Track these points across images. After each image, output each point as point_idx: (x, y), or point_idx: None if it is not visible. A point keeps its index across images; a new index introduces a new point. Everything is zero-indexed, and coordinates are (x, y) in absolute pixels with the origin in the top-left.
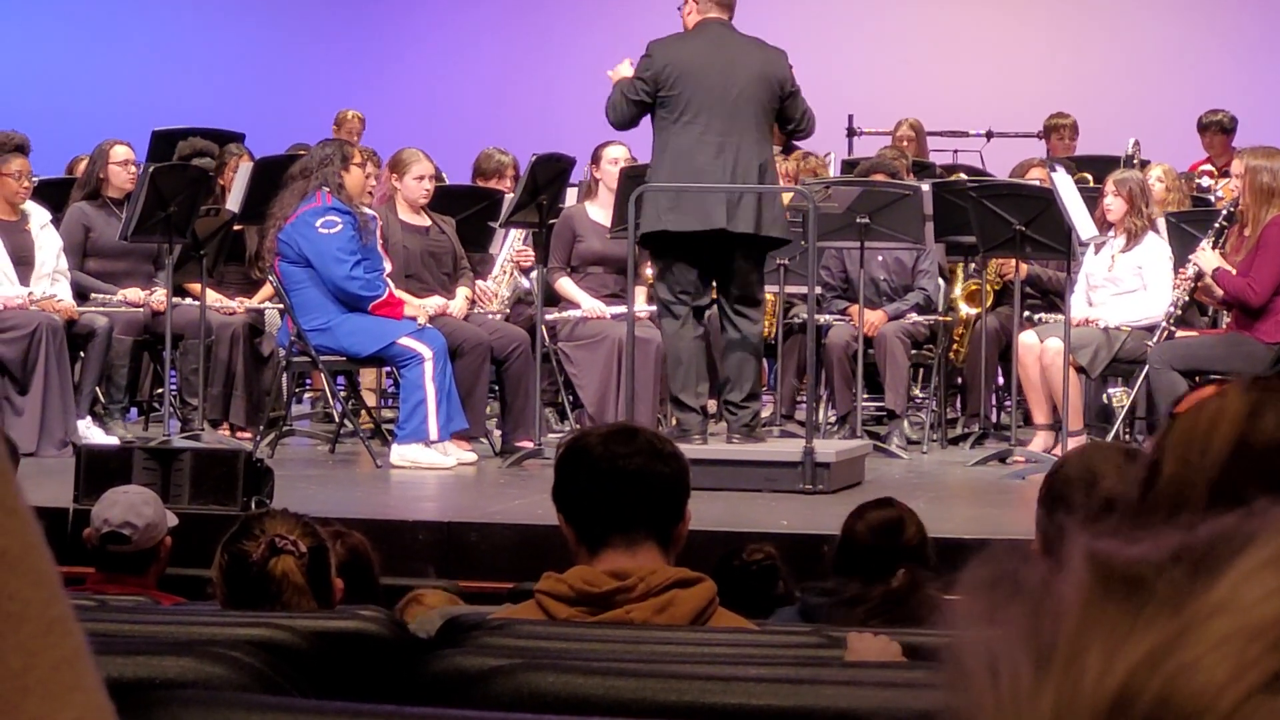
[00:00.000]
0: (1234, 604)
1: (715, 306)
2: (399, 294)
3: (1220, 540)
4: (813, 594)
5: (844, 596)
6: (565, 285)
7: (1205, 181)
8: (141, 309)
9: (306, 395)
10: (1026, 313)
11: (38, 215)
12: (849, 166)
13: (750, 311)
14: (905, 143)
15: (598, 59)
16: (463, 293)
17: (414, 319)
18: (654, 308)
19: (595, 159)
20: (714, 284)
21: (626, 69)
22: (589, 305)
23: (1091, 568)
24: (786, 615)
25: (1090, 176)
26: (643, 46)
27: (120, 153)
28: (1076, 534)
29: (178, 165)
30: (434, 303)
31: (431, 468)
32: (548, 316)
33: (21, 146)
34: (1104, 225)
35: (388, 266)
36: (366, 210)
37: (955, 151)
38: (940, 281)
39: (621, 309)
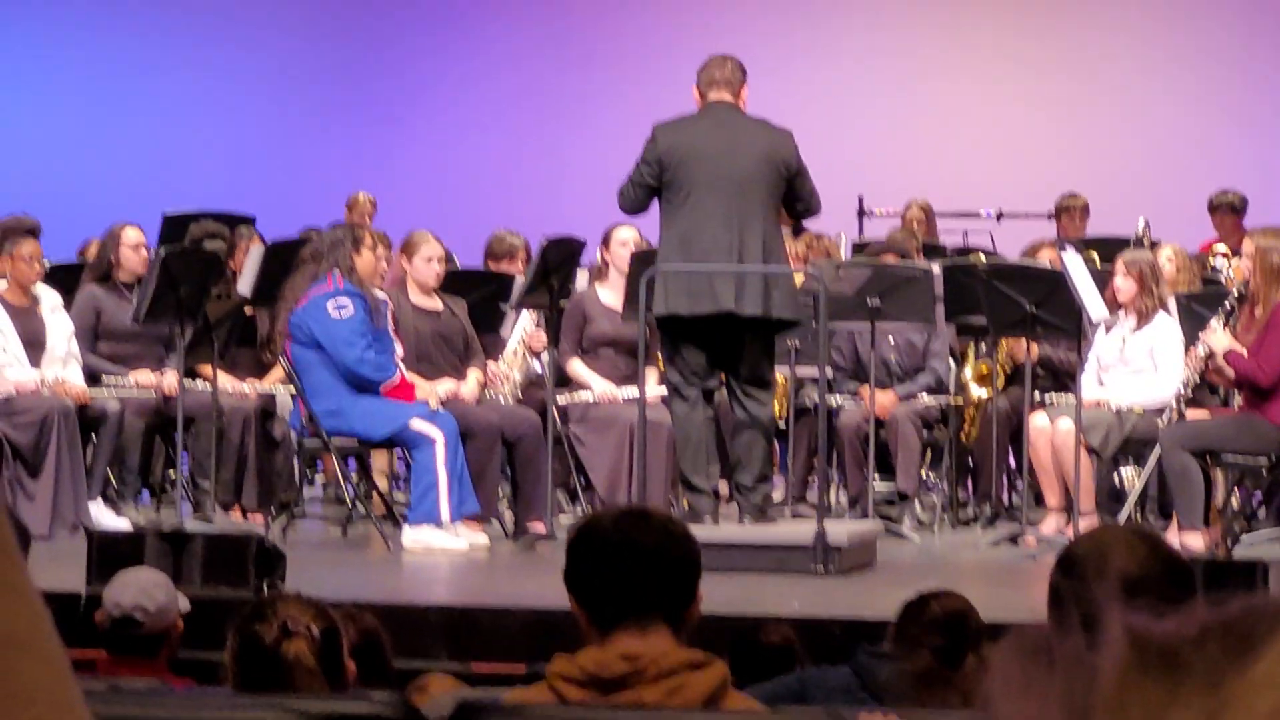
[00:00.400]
0: (1273, 681)
1: (725, 388)
2: (410, 377)
3: (1254, 618)
4: (868, 655)
5: (911, 668)
6: (576, 368)
7: (1219, 263)
8: (153, 392)
9: (318, 478)
10: (1037, 394)
11: (49, 299)
12: (859, 248)
13: (759, 393)
14: (916, 224)
15: (607, 140)
16: (474, 376)
17: (425, 402)
18: (665, 390)
19: (605, 241)
20: (723, 366)
21: None
22: (600, 388)
23: (1129, 642)
24: (836, 676)
25: (1096, 255)
26: (649, 129)
27: (132, 236)
28: (1112, 609)
29: (189, 249)
30: (445, 386)
31: (443, 550)
32: (559, 399)
33: (33, 230)
34: (1114, 306)
35: (399, 349)
36: (378, 293)
37: (965, 232)
38: (951, 363)
39: (633, 391)
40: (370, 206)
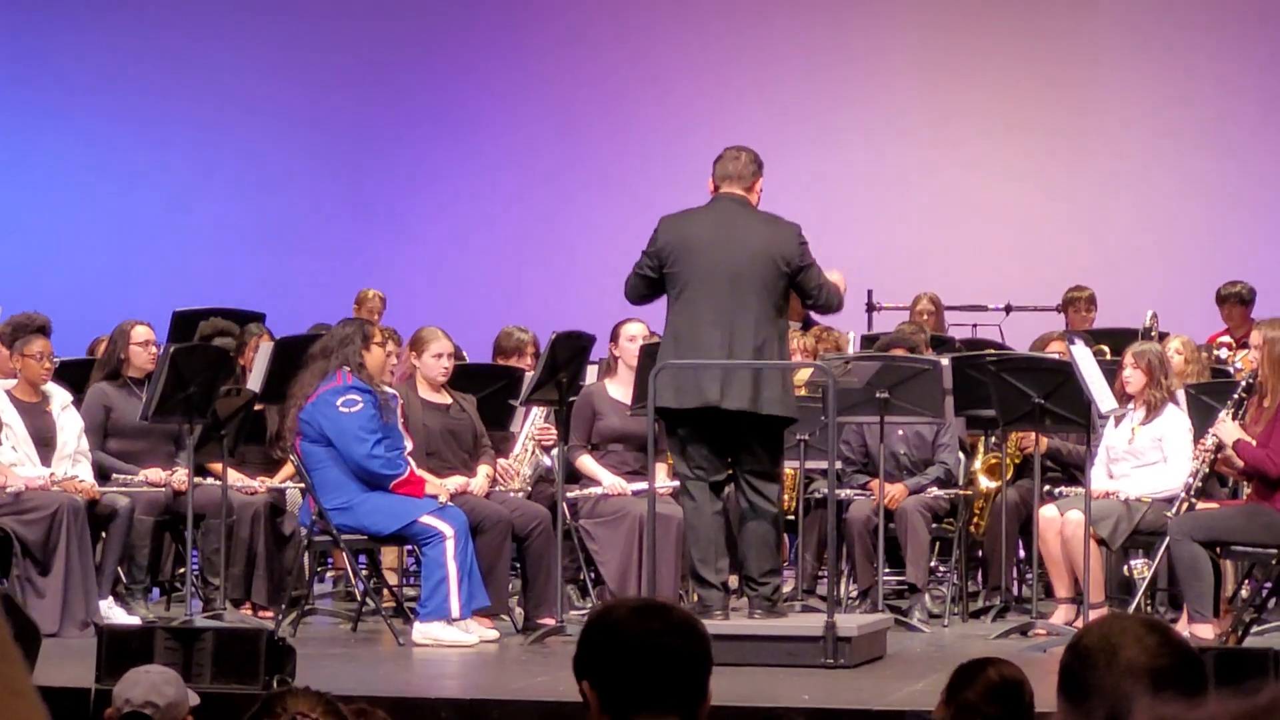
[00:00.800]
0: None
1: (732, 481)
2: (420, 473)
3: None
4: None
5: None
6: (586, 463)
7: (1223, 353)
8: (163, 489)
9: (328, 574)
10: (1047, 486)
11: (59, 396)
12: (868, 341)
13: (765, 486)
14: (924, 317)
15: (615, 234)
16: (484, 471)
17: (435, 497)
18: (676, 484)
19: (614, 336)
20: (731, 458)
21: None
22: (610, 482)
23: None
24: None
25: (1107, 349)
26: (656, 221)
27: (141, 333)
28: (1141, 701)
29: (198, 345)
30: (455, 482)
31: (454, 645)
32: (569, 494)
33: (44, 328)
34: (1123, 398)
35: (408, 445)
36: (387, 389)
37: (974, 325)
38: (960, 455)
39: (643, 485)
40: (379, 303)
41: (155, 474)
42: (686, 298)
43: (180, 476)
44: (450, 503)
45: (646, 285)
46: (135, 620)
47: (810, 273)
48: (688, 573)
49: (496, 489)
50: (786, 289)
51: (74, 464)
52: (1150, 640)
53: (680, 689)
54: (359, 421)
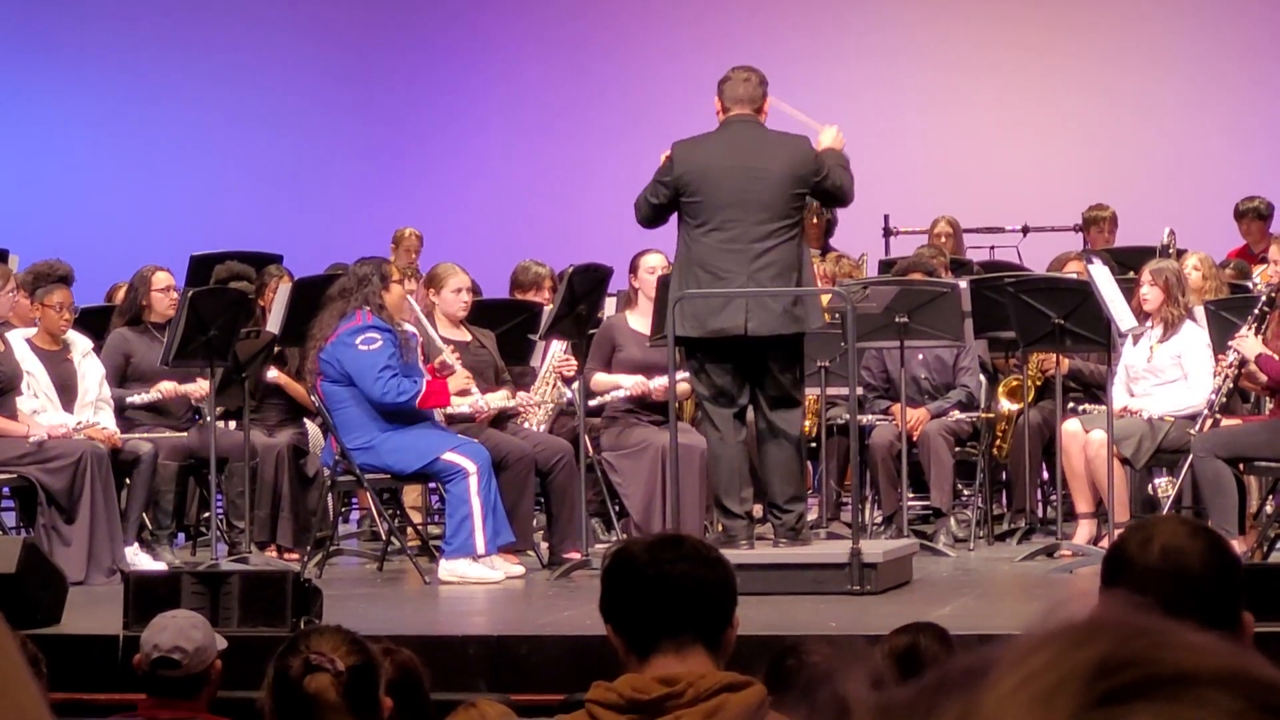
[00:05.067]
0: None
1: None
2: (433, 380)
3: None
4: None
5: None
6: (601, 378)
7: (1258, 281)
8: (185, 434)
9: (353, 514)
10: (1070, 404)
11: (80, 344)
12: (886, 266)
13: (788, 413)
14: (942, 240)
15: (630, 166)
16: (504, 391)
17: (466, 393)
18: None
19: (634, 268)
20: (751, 385)
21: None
22: (632, 382)
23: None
24: None
25: (1117, 265)
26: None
27: (161, 279)
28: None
29: (216, 289)
30: (470, 396)
31: (479, 582)
32: (597, 427)
33: (65, 277)
34: (1141, 316)
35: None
36: (407, 327)
37: (992, 248)
38: (982, 378)
39: (663, 381)
40: (416, 241)
41: (168, 386)
42: (708, 226)
43: (201, 386)
44: (472, 439)
45: (657, 211)
46: (161, 566)
47: (829, 179)
48: (712, 503)
49: (521, 424)
50: (804, 206)
51: (96, 411)
52: (1183, 530)
53: (698, 617)
54: (377, 358)
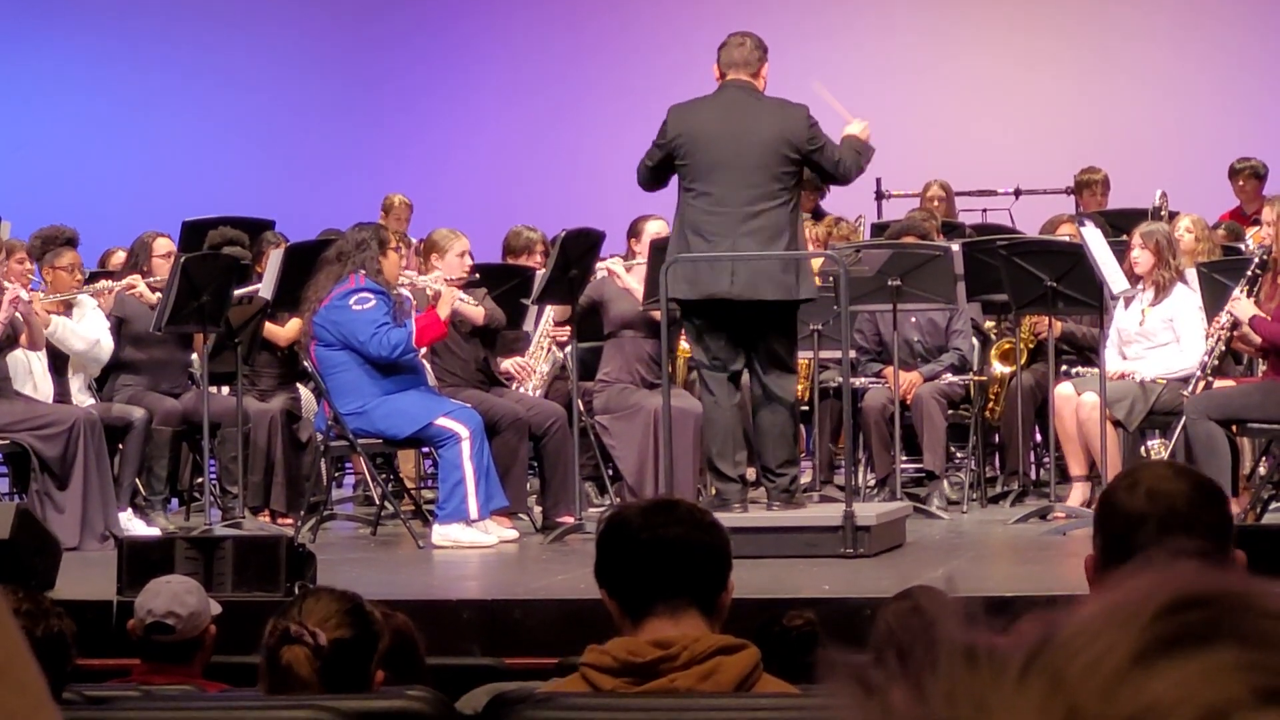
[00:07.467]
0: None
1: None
2: (421, 315)
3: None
4: None
5: None
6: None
7: (1250, 243)
8: (178, 400)
9: (347, 479)
10: (1063, 367)
11: (88, 304)
12: (879, 229)
13: (781, 377)
14: (935, 203)
15: (621, 130)
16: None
17: (450, 399)
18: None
19: (636, 233)
20: (745, 349)
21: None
22: (628, 277)
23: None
24: None
25: (1110, 227)
26: (663, 114)
27: (162, 245)
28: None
29: (209, 254)
30: (453, 292)
31: (473, 546)
32: (590, 391)
33: (72, 240)
34: (1132, 278)
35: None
36: (403, 291)
37: (984, 211)
38: (975, 341)
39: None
40: (406, 209)
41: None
42: (699, 190)
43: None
44: (465, 405)
45: (653, 174)
46: (155, 531)
47: (825, 152)
48: (705, 466)
49: (516, 388)
50: (799, 174)
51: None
52: (1167, 472)
53: (690, 580)
54: (374, 314)
